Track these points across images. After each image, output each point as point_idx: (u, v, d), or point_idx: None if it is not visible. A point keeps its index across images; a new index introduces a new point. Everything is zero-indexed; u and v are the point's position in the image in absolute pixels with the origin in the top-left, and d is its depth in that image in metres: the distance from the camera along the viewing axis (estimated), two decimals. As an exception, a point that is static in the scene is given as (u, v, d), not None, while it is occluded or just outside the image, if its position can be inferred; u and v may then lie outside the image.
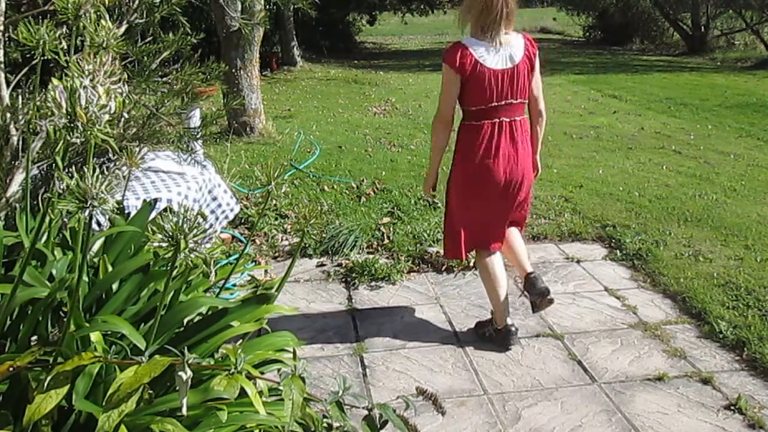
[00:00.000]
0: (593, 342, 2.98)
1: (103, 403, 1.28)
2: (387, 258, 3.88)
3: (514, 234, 3.03)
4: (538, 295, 2.89)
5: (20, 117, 2.10)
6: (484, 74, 2.64)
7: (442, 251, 3.14)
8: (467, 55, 2.63)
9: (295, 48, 14.23)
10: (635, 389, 2.61)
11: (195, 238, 1.29)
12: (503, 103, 2.70)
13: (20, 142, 2.12)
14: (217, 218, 3.67)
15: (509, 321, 2.93)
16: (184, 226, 1.28)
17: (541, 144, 2.96)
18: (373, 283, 3.58)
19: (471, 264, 3.73)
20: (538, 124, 2.88)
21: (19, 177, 2.09)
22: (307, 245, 3.95)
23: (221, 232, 4.04)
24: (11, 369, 1.34)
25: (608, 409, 2.49)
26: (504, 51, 2.67)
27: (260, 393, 1.43)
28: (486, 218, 2.89)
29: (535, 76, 2.77)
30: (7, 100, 2.12)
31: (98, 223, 2.23)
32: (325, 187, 5.17)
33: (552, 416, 2.45)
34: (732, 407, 2.48)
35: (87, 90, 1.22)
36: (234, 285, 3.30)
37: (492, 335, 2.96)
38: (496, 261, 2.95)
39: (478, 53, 2.64)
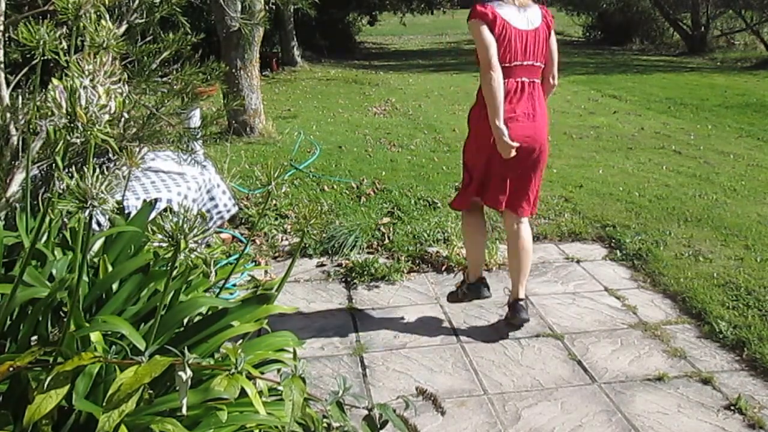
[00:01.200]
0: (593, 342, 2.98)
1: (104, 403, 1.28)
2: (387, 258, 3.88)
3: (525, 250, 3.00)
4: (511, 324, 3.04)
5: (20, 117, 2.10)
6: (510, 31, 2.73)
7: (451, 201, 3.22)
8: (494, 12, 2.72)
9: (295, 48, 14.23)
10: (635, 389, 2.61)
11: (195, 238, 1.29)
12: (525, 63, 2.77)
13: (20, 142, 2.12)
14: (212, 218, 3.67)
15: (482, 275, 3.11)
16: (184, 226, 1.28)
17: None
18: (372, 283, 3.58)
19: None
20: (548, 90, 2.97)
21: (19, 177, 2.09)
22: (307, 245, 3.95)
23: (222, 232, 4.04)
24: (11, 369, 1.34)
25: (608, 409, 2.49)
26: (525, 13, 2.78)
27: (260, 393, 1.43)
28: (499, 175, 2.88)
29: (552, 46, 2.88)
30: (7, 100, 2.12)
31: (98, 223, 2.23)
32: (325, 187, 5.17)
33: (552, 416, 2.45)
34: (732, 407, 2.48)
35: (87, 90, 1.22)
36: (234, 285, 3.30)
37: (465, 292, 3.16)
38: (476, 216, 3.07)
39: (503, 12, 2.73)
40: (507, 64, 2.74)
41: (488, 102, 2.72)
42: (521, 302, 2.99)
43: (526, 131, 2.78)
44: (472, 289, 3.14)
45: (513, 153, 2.75)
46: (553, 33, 2.88)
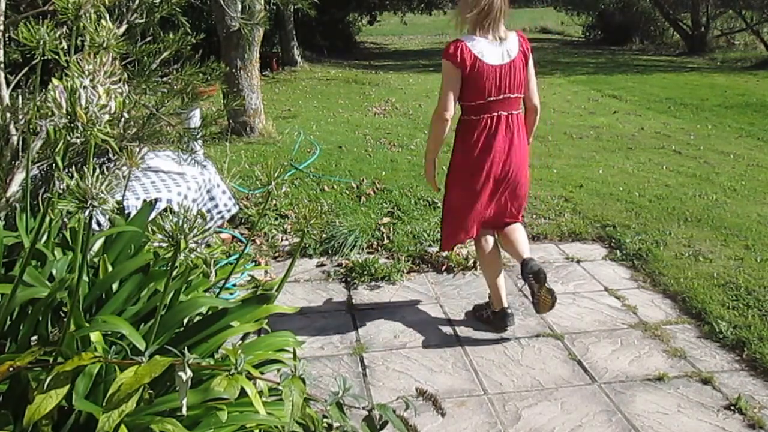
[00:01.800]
0: (593, 342, 2.98)
1: (103, 403, 1.28)
2: (387, 258, 3.88)
3: (517, 228, 3.06)
4: (533, 277, 2.86)
5: (20, 117, 2.10)
6: (483, 70, 2.71)
7: (439, 247, 3.18)
8: (467, 51, 2.70)
9: (295, 48, 14.23)
10: (635, 389, 2.61)
11: (195, 238, 1.29)
12: (501, 97, 2.78)
13: (20, 142, 2.12)
14: (212, 218, 3.67)
15: (506, 304, 3.03)
16: (184, 226, 1.28)
17: (533, 137, 3.08)
18: (373, 283, 3.58)
19: (471, 264, 3.73)
20: (533, 117, 2.99)
21: (19, 177, 2.09)
22: (307, 245, 3.95)
23: (222, 232, 4.04)
24: (11, 369, 1.34)
25: (608, 409, 2.49)
26: (502, 47, 2.76)
27: (260, 393, 1.43)
28: (483, 209, 2.94)
29: (530, 72, 2.88)
30: (7, 100, 2.12)
31: (98, 223, 2.23)
32: (325, 187, 5.17)
33: (552, 416, 2.45)
34: (732, 407, 2.48)
35: (87, 90, 1.22)
36: (234, 285, 3.30)
37: (489, 317, 3.09)
38: (492, 243, 3.04)
39: (478, 49, 2.72)
40: (482, 101, 2.76)
41: (431, 138, 2.90)
42: (531, 260, 2.95)
43: (503, 167, 2.86)
44: (497, 317, 3.04)
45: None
46: (530, 60, 2.87)
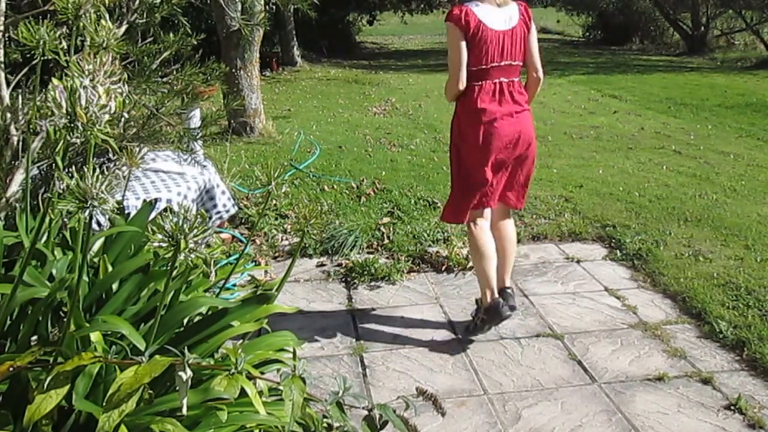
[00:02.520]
0: (593, 342, 2.98)
1: (103, 403, 1.28)
2: (387, 258, 3.88)
3: (510, 236, 3.03)
4: (497, 318, 2.85)
5: (20, 117, 2.10)
6: (487, 33, 2.71)
7: (440, 216, 3.09)
8: (470, 14, 2.70)
9: (295, 48, 14.23)
10: (635, 389, 2.61)
11: (195, 238, 1.29)
12: (503, 63, 2.76)
13: (20, 142, 2.12)
14: (211, 218, 3.67)
15: (496, 294, 2.88)
16: (184, 226, 1.28)
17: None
18: (373, 283, 3.58)
19: (471, 264, 3.73)
20: (534, 89, 2.95)
21: (19, 177, 2.09)
22: (307, 245, 3.95)
23: (222, 232, 4.04)
24: (11, 369, 1.34)
25: (608, 409, 2.49)
26: (503, 12, 2.76)
27: (260, 393, 1.43)
28: (490, 179, 2.87)
29: (532, 41, 2.85)
30: (7, 100, 2.12)
31: (98, 223, 2.23)
32: (325, 187, 5.17)
33: (552, 416, 2.45)
34: (732, 407, 2.48)
35: (87, 90, 1.22)
36: (234, 285, 3.30)
37: (484, 319, 2.90)
38: (486, 231, 2.95)
39: (481, 14, 2.71)
40: (483, 66, 2.74)
41: (450, 92, 2.81)
42: (509, 289, 2.99)
43: (512, 127, 2.81)
44: (491, 312, 2.86)
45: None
46: (533, 28, 2.84)
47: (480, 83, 2.76)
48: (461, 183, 2.93)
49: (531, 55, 2.84)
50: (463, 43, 2.70)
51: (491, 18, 2.72)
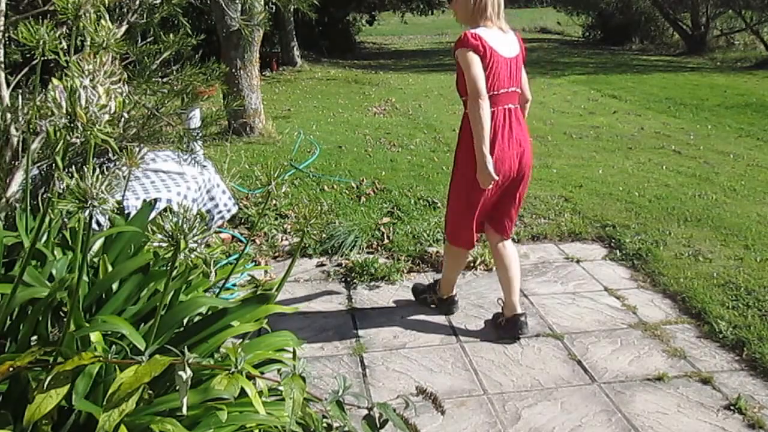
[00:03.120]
0: (593, 342, 2.98)
1: (103, 403, 1.28)
2: (387, 258, 3.88)
3: (516, 264, 3.06)
4: (514, 337, 2.99)
5: (20, 117, 2.10)
6: (498, 60, 2.72)
7: (447, 241, 3.12)
8: (483, 40, 2.70)
9: (295, 48, 14.24)
10: (635, 389, 2.61)
11: (195, 238, 1.29)
12: (510, 90, 2.79)
13: (20, 142, 2.12)
14: (212, 218, 3.67)
15: (519, 310, 3.00)
16: (184, 226, 1.28)
17: None
18: (372, 283, 3.58)
19: (471, 264, 3.73)
20: (526, 109, 3.02)
21: (19, 177, 2.09)
22: (307, 245, 3.95)
23: (222, 231, 4.04)
24: (11, 369, 1.34)
25: (608, 409, 2.49)
26: (507, 39, 2.79)
27: (260, 393, 1.44)
28: (497, 204, 2.94)
29: (522, 68, 2.92)
30: (7, 101, 2.12)
31: (98, 223, 2.23)
32: (325, 187, 5.17)
33: (552, 416, 2.45)
34: (732, 407, 2.48)
35: (87, 90, 1.22)
36: (234, 285, 3.30)
37: (435, 303, 3.26)
38: (510, 247, 3.06)
39: (491, 40, 2.72)
40: (495, 92, 2.74)
41: (477, 129, 2.66)
42: (522, 317, 3.00)
43: (519, 158, 2.85)
44: (443, 304, 3.24)
45: (491, 185, 2.76)
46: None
47: (492, 110, 2.72)
48: (463, 209, 2.93)
49: (524, 82, 2.92)
50: (480, 66, 2.67)
51: (499, 44, 2.74)
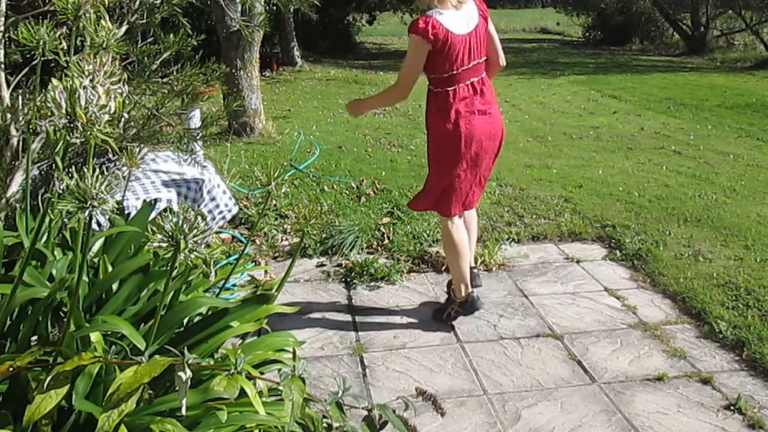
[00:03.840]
0: (593, 342, 2.98)
1: (103, 403, 1.28)
2: (387, 258, 3.88)
3: (474, 227, 3.19)
4: (469, 306, 3.10)
5: (20, 117, 2.10)
6: (454, 41, 2.73)
7: (410, 202, 3.19)
8: (438, 26, 2.71)
9: (295, 48, 14.23)
10: (635, 389, 2.61)
11: (195, 239, 1.29)
12: (470, 65, 2.81)
13: (20, 143, 2.12)
14: (213, 218, 3.67)
15: (470, 288, 3.08)
16: (184, 226, 1.28)
17: None
18: (372, 283, 3.58)
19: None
20: (495, 72, 3.02)
21: (19, 177, 2.10)
22: (307, 245, 3.95)
23: (222, 232, 4.04)
24: (11, 369, 1.34)
25: (608, 409, 2.49)
26: (463, 14, 2.78)
27: (260, 393, 1.44)
28: (469, 178, 2.96)
29: (492, 33, 2.92)
30: (7, 101, 2.12)
31: (98, 223, 2.23)
32: (325, 187, 5.17)
33: (552, 416, 2.45)
34: (732, 407, 2.48)
35: (87, 90, 1.22)
36: (234, 285, 3.30)
37: (457, 311, 3.11)
38: (462, 229, 3.06)
39: (446, 22, 2.73)
40: (455, 71, 2.79)
41: (378, 102, 3.13)
42: (475, 269, 3.21)
43: (486, 127, 2.88)
44: (466, 306, 3.10)
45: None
46: (490, 21, 2.90)
47: (453, 87, 2.82)
48: (437, 183, 2.97)
49: (494, 47, 2.93)
50: (423, 60, 2.76)
51: (455, 23, 2.74)
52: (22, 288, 1.51)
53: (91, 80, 1.24)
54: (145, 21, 2.42)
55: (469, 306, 3.09)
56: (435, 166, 2.98)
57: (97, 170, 1.22)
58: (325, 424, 1.57)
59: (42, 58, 1.49)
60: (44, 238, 1.84)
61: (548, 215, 4.60)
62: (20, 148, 2.11)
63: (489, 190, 4.98)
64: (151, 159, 3.63)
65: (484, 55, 2.87)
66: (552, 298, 3.42)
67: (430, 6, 2.76)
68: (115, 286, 1.80)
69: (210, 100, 5.61)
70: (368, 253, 3.97)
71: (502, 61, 2.98)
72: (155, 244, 1.29)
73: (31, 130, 2.00)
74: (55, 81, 1.23)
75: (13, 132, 2.10)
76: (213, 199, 3.67)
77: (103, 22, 1.46)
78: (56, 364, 1.35)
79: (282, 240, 4.14)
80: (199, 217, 1.31)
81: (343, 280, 3.64)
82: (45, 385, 1.31)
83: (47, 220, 1.81)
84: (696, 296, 3.33)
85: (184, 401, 1.30)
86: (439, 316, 3.17)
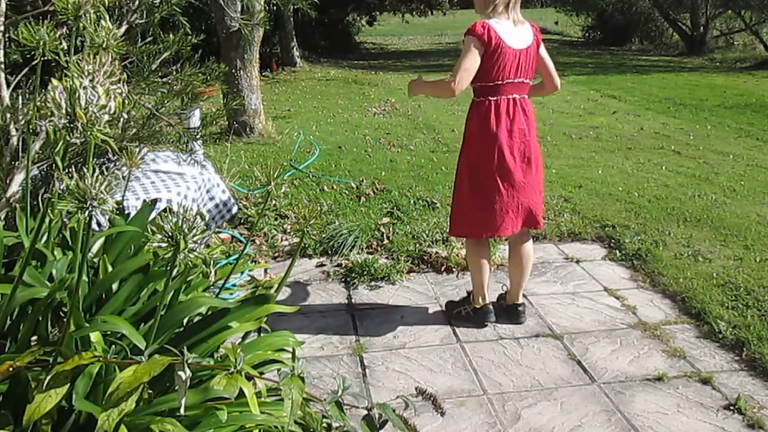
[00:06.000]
0: (593, 342, 2.98)
1: (103, 403, 1.28)
2: (387, 258, 3.88)
3: (530, 258, 3.12)
4: (481, 321, 3.10)
5: (20, 117, 2.10)
6: (505, 51, 2.77)
7: (450, 230, 3.13)
8: (492, 31, 2.75)
9: (294, 48, 14.24)
10: (635, 389, 2.62)
11: (195, 238, 1.29)
12: (516, 80, 2.83)
13: (20, 143, 2.12)
14: (213, 218, 3.67)
15: (487, 300, 3.10)
16: (184, 226, 1.28)
17: None
18: (372, 283, 3.58)
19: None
20: (548, 91, 3.12)
21: (19, 177, 2.10)
22: (306, 245, 3.96)
23: (221, 232, 4.04)
24: (11, 369, 1.34)
25: (608, 409, 2.49)
26: (519, 31, 2.83)
27: (259, 393, 1.44)
28: (504, 198, 2.89)
29: (545, 56, 2.98)
30: (7, 101, 2.12)
31: (98, 223, 2.23)
32: (325, 187, 5.17)
33: (552, 416, 2.45)
34: (731, 407, 2.48)
35: (87, 90, 1.22)
36: (234, 285, 3.30)
37: (468, 314, 3.13)
38: (485, 247, 3.08)
39: (501, 31, 2.77)
40: (499, 82, 2.81)
41: (432, 90, 3.03)
42: (521, 307, 3.15)
43: (521, 146, 2.88)
44: (479, 314, 3.09)
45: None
46: (542, 45, 2.95)
47: (496, 98, 2.83)
48: (466, 201, 2.95)
49: (548, 70, 3.00)
50: (477, 62, 2.75)
51: (509, 36, 2.78)
52: (22, 288, 1.51)
53: (90, 80, 1.24)
54: (144, 21, 2.42)
55: (481, 315, 3.09)
56: (466, 178, 2.94)
57: (97, 170, 1.22)
58: (324, 424, 1.57)
59: (42, 58, 1.49)
60: (44, 238, 1.84)
61: (548, 215, 4.59)
62: (20, 148, 2.12)
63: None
64: (151, 159, 3.63)
65: (531, 77, 2.89)
66: (552, 298, 3.42)
67: (489, 16, 2.81)
68: (115, 286, 1.80)
69: (210, 99, 5.61)
70: (368, 253, 3.97)
71: (557, 83, 3.04)
72: (155, 244, 1.29)
73: (31, 130, 2.00)
74: (55, 81, 1.23)
75: (13, 132, 2.10)
76: (212, 198, 3.67)
77: (103, 22, 1.46)
78: (56, 364, 1.35)
79: (282, 240, 4.14)
80: (199, 217, 1.31)
81: (343, 280, 3.64)
82: (45, 385, 1.31)
83: (47, 220, 1.81)
84: (696, 296, 3.33)
85: (183, 401, 1.30)
86: (450, 308, 3.20)
